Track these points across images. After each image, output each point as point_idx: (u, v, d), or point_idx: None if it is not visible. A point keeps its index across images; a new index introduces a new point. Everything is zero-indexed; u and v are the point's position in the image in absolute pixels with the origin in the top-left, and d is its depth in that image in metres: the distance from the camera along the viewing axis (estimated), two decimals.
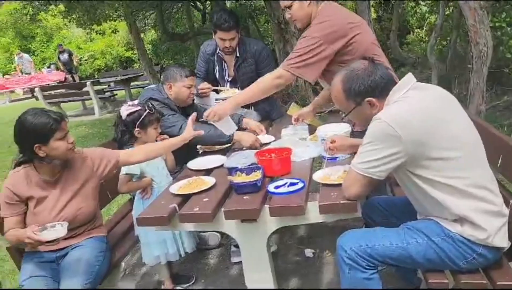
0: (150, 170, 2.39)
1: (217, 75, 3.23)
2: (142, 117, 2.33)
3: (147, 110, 2.36)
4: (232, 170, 2.06)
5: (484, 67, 3.73)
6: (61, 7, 7.67)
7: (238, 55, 3.10)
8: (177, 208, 1.90)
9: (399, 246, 1.66)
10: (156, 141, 2.40)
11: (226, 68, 3.20)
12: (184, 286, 2.60)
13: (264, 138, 2.68)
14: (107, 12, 7.75)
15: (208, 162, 2.39)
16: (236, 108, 2.55)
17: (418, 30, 8.75)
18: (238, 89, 3.05)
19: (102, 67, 17.05)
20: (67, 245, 2.04)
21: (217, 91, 3.29)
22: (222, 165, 2.30)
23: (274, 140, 2.59)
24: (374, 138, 1.59)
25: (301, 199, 1.78)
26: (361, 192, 1.68)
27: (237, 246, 2.79)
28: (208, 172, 2.31)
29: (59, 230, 1.84)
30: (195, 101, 3.24)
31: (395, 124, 1.53)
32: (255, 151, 2.26)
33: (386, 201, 2.05)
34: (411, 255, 1.64)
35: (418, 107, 1.60)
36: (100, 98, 9.40)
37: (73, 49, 17.24)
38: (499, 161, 2.01)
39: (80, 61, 16.97)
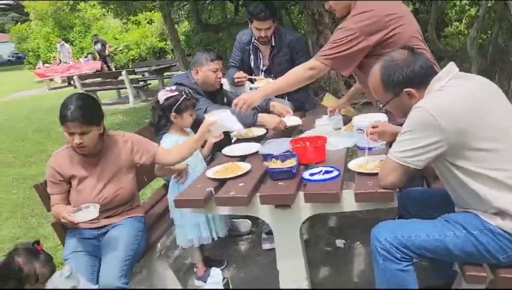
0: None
1: (252, 65, 3.25)
2: (179, 102, 2.38)
3: (184, 96, 2.41)
4: (267, 157, 2.09)
5: None
6: None
7: (273, 44, 3.11)
8: (213, 191, 1.93)
9: (436, 238, 1.63)
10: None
11: (261, 57, 3.22)
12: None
13: (290, 120, 2.68)
14: (143, 3, 7.89)
15: (243, 149, 2.42)
16: (265, 98, 2.55)
17: (457, 23, 8.46)
18: (272, 79, 3.06)
19: (136, 57, 17.37)
20: (107, 223, 2.13)
21: (251, 81, 3.32)
22: (256, 152, 2.34)
23: (300, 124, 2.62)
24: (413, 126, 1.57)
25: (337, 186, 1.78)
26: (398, 181, 1.66)
27: (268, 233, 2.83)
28: (242, 158, 2.33)
29: (92, 211, 1.90)
30: (229, 89, 3.28)
31: (436, 113, 1.51)
32: (289, 139, 2.28)
33: (422, 193, 2.02)
34: (448, 248, 1.62)
35: (460, 96, 1.57)
36: (134, 87, 9.61)
37: (109, 39, 17.65)
38: None
39: (115, 51, 17.35)
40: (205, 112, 2.53)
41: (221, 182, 2.02)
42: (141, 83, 9.92)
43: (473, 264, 1.66)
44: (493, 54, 5.09)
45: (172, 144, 2.35)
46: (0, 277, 1.61)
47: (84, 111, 1.95)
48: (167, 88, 2.47)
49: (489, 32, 5.60)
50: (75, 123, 1.93)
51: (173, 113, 2.38)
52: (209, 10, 11.90)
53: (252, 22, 3.04)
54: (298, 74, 2.35)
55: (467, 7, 7.96)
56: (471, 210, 1.64)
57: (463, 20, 8.41)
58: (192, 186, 2.05)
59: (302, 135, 2.39)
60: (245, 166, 2.11)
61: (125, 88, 9.66)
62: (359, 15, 2.18)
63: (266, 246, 2.80)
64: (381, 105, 1.82)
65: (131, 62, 16.93)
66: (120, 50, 17.92)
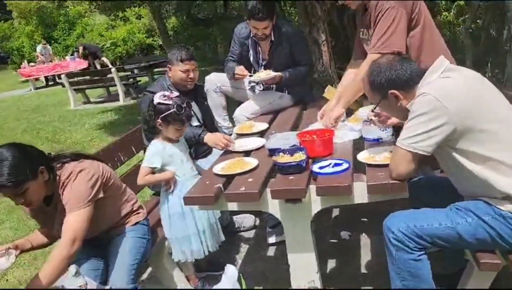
0: (172, 164, 2.28)
1: (251, 59, 3.22)
2: (167, 113, 2.22)
3: (174, 109, 2.23)
4: (274, 151, 2.07)
5: None
6: None
7: (273, 39, 3.07)
8: (222, 188, 1.92)
9: (448, 226, 1.64)
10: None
11: (261, 52, 3.18)
12: (219, 273, 2.60)
13: (259, 125, 2.68)
14: None
15: (247, 144, 2.40)
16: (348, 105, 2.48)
17: (446, 13, 8.51)
18: (273, 71, 3.02)
19: (124, 54, 17.16)
20: (112, 234, 2.09)
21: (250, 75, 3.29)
22: (261, 147, 2.32)
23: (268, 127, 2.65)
24: (420, 111, 1.60)
25: (348, 178, 1.77)
26: (410, 170, 1.66)
27: (272, 227, 2.82)
28: (247, 153, 2.31)
29: (6, 259, 1.79)
30: (227, 84, 3.25)
31: (441, 96, 1.56)
32: (295, 132, 2.26)
33: (433, 182, 2.03)
34: (461, 235, 1.63)
35: (460, 82, 1.63)
36: (124, 84, 9.48)
37: (95, 36, 17.40)
38: None
39: (102, 48, 17.13)
40: None
41: (229, 178, 2.00)
42: (131, 80, 9.79)
43: (485, 251, 1.68)
44: (485, 43, 5.15)
45: (158, 152, 2.24)
46: None
47: (9, 173, 1.68)
48: (167, 93, 2.31)
49: (478, 21, 5.64)
50: (4, 189, 1.72)
51: (159, 120, 2.24)
52: (198, 5, 11.81)
53: (249, 20, 3.00)
54: (363, 71, 2.31)
55: None
56: (481, 197, 1.65)
57: (452, 10, 8.46)
58: (200, 183, 2.03)
59: (309, 128, 2.38)
60: (252, 161, 2.09)
61: (115, 85, 9.54)
62: None
63: (271, 240, 2.79)
64: (373, 107, 1.90)
65: (118, 59, 16.72)
66: (107, 48, 17.69)
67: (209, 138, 2.53)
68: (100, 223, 1.99)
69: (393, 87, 1.72)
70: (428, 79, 1.68)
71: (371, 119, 2.07)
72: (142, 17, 12.13)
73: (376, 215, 2.95)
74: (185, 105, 2.28)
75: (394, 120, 2.04)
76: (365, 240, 2.73)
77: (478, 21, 6.20)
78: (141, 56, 15.59)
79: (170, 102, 2.25)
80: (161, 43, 16.44)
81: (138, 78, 10.35)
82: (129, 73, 10.33)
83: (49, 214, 1.95)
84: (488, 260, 1.65)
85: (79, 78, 9.88)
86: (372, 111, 1.95)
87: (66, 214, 1.82)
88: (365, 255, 2.58)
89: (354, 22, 4.57)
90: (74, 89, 9.72)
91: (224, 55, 10.06)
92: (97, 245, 2.06)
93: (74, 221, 1.81)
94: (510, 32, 3.64)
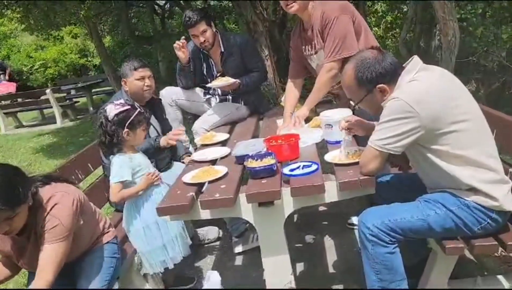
0: (141, 171, 2.23)
1: (205, 72, 3.24)
2: (132, 117, 2.18)
3: (138, 109, 2.23)
4: (242, 158, 2.10)
5: (453, 57, 3.97)
6: (15, 13, 7.33)
7: (222, 50, 3.12)
8: (194, 196, 1.90)
9: (420, 218, 1.75)
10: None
11: (213, 64, 3.21)
12: (187, 287, 2.56)
13: (219, 136, 2.72)
14: (65, 17, 7.48)
15: (212, 153, 2.40)
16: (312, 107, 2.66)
17: (376, 28, 9.11)
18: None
19: (56, 76, 16.37)
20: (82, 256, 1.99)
21: (204, 87, 3.31)
22: (226, 156, 2.34)
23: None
24: (392, 115, 1.68)
25: (320, 178, 1.84)
26: (379, 168, 1.76)
27: (238, 236, 2.82)
28: (213, 162, 2.32)
29: None
30: (180, 97, 3.23)
31: (412, 102, 1.64)
32: (261, 139, 2.31)
33: (393, 178, 2.15)
34: (431, 226, 1.74)
35: (430, 85, 1.71)
36: (61, 106, 9.04)
37: (23, 58, 16.47)
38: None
39: (30, 70, 16.24)
40: None
41: (199, 187, 2.00)
42: (68, 102, 9.37)
43: (450, 238, 1.81)
44: (417, 53, 5.56)
45: (126, 163, 2.17)
46: None
47: (5, 196, 1.58)
48: (116, 102, 2.25)
49: (412, 34, 6.11)
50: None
51: (125, 130, 2.16)
52: (133, 23, 11.61)
53: (188, 31, 3.04)
54: (323, 80, 2.55)
55: (384, 14, 8.68)
56: (447, 189, 1.77)
57: (381, 26, 9.09)
58: (171, 192, 1.99)
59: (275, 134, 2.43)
60: (221, 169, 2.09)
61: (50, 107, 9.06)
62: (330, 6, 2.47)
63: (238, 249, 2.79)
64: (354, 104, 1.93)
65: (50, 81, 15.93)
66: (36, 69, 16.80)
67: (162, 139, 2.58)
68: (74, 250, 1.89)
69: (381, 81, 1.76)
70: (404, 78, 1.74)
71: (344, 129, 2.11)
72: (78, 36, 11.68)
73: (335, 217, 3.09)
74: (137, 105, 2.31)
75: (359, 132, 2.09)
76: (328, 242, 2.81)
77: (408, 35, 6.72)
78: (75, 77, 15.00)
79: (128, 107, 2.22)
80: (96, 63, 15.95)
81: (75, 99, 9.94)
82: (65, 94, 9.91)
83: (17, 244, 1.82)
84: (452, 245, 1.77)
85: (8, 102, 9.30)
86: (353, 107, 1.99)
87: (42, 243, 1.71)
88: (331, 256, 2.65)
89: None
90: (4, 113, 9.12)
91: (166, 73, 9.92)
92: (67, 267, 1.95)
93: (54, 254, 1.71)
94: (440, 43, 3.98)
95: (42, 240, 1.72)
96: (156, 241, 2.21)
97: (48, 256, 1.70)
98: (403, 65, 1.81)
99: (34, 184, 1.74)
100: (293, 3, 2.49)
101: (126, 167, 2.15)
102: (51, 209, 1.73)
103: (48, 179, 1.87)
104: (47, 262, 1.70)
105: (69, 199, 1.79)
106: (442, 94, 1.68)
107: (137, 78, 2.59)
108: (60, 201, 1.76)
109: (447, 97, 1.69)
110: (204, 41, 3.00)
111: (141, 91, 2.63)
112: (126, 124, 2.17)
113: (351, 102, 1.96)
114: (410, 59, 1.82)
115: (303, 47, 2.72)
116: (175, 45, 3.01)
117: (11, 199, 1.60)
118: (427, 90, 1.68)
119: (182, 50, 3.01)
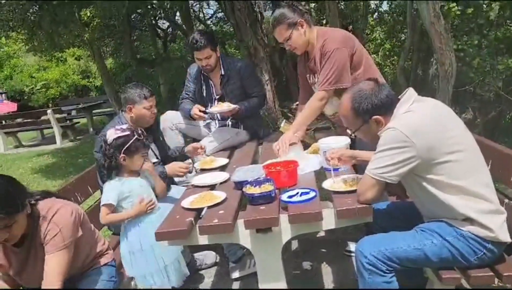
0: (129, 199, 2.22)
1: (204, 95, 3.29)
2: (129, 143, 2.19)
3: (136, 136, 2.24)
4: (241, 184, 2.12)
5: (450, 86, 4.03)
6: (20, 34, 7.47)
7: (223, 73, 3.18)
8: (193, 221, 1.92)
9: (416, 247, 1.76)
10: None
11: (213, 86, 3.27)
12: None
13: (219, 161, 2.74)
14: (69, 39, 7.63)
15: (211, 178, 2.43)
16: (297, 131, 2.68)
17: (374, 55, 9.25)
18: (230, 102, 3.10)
19: (57, 96, 16.51)
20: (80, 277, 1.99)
21: (204, 112, 3.35)
22: (225, 181, 2.36)
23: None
24: (388, 145, 1.72)
25: (318, 205, 1.86)
26: (376, 197, 1.78)
27: (235, 262, 2.81)
28: (212, 187, 2.34)
29: None
30: (181, 122, 3.28)
31: (408, 132, 1.68)
32: (260, 165, 2.33)
33: (390, 207, 2.17)
34: (427, 255, 1.75)
35: (424, 116, 1.76)
36: (61, 126, 9.10)
37: (25, 78, 16.64)
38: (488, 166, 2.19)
39: (32, 90, 16.39)
40: None
41: (198, 212, 2.01)
42: (68, 122, 9.43)
43: (446, 268, 1.81)
44: (414, 82, 5.67)
45: (115, 187, 2.18)
46: None
47: (3, 203, 1.63)
48: (118, 127, 2.29)
49: (409, 62, 6.23)
50: None
51: (122, 155, 2.18)
52: (136, 46, 11.81)
53: (193, 53, 3.11)
54: (312, 107, 2.62)
55: (382, 42, 8.81)
56: (442, 219, 1.79)
57: (379, 53, 9.22)
58: (170, 217, 2.01)
59: (273, 160, 2.45)
60: (220, 194, 2.11)
61: (50, 127, 9.12)
62: (331, 38, 2.52)
63: (235, 274, 2.77)
64: (350, 132, 1.99)
65: (51, 101, 16.06)
66: (38, 90, 16.94)
67: (169, 170, 2.61)
68: (73, 264, 1.89)
69: (377, 112, 1.81)
70: (399, 110, 1.79)
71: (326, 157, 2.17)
72: (81, 58, 11.86)
73: (333, 243, 3.09)
74: (140, 131, 2.31)
75: (347, 162, 2.16)
76: (326, 269, 2.80)
77: (406, 63, 6.84)
78: (76, 98, 15.13)
79: (128, 132, 2.25)
80: (97, 84, 16.11)
81: (76, 120, 10.01)
82: (66, 115, 9.98)
83: (18, 258, 1.83)
84: (449, 275, 1.78)
85: (9, 121, 9.37)
86: (350, 136, 2.07)
87: (44, 256, 1.74)
88: (328, 283, 2.64)
89: (293, 65, 4.86)
90: (5, 132, 9.16)
91: (167, 95, 10.04)
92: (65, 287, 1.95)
93: (57, 265, 1.73)
94: (437, 72, 4.05)
95: (44, 253, 1.75)
96: (141, 268, 2.21)
97: (51, 268, 1.73)
98: (399, 97, 1.86)
99: (32, 195, 1.81)
100: (295, 47, 2.61)
101: (114, 191, 2.18)
102: (51, 217, 1.78)
103: (47, 194, 1.91)
104: (51, 274, 1.72)
105: (69, 209, 1.83)
106: (437, 125, 1.73)
107: (146, 106, 2.63)
108: (60, 211, 1.80)
109: (441, 127, 1.73)
110: (207, 65, 3.07)
111: (147, 118, 2.67)
112: (123, 150, 2.20)
113: (348, 130, 2.01)
114: (405, 91, 1.88)
115: (307, 75, 2.79)
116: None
117: (9, 207, 1.64)
118: (422, 121, 1.73)
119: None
